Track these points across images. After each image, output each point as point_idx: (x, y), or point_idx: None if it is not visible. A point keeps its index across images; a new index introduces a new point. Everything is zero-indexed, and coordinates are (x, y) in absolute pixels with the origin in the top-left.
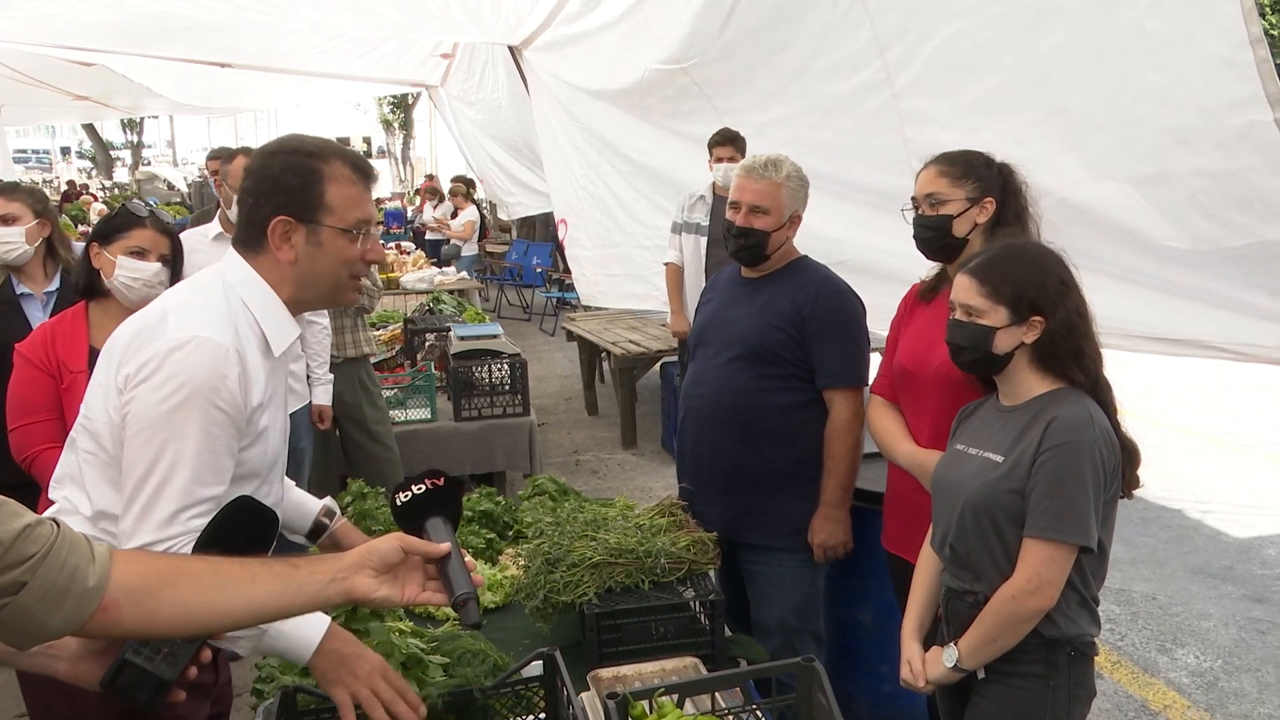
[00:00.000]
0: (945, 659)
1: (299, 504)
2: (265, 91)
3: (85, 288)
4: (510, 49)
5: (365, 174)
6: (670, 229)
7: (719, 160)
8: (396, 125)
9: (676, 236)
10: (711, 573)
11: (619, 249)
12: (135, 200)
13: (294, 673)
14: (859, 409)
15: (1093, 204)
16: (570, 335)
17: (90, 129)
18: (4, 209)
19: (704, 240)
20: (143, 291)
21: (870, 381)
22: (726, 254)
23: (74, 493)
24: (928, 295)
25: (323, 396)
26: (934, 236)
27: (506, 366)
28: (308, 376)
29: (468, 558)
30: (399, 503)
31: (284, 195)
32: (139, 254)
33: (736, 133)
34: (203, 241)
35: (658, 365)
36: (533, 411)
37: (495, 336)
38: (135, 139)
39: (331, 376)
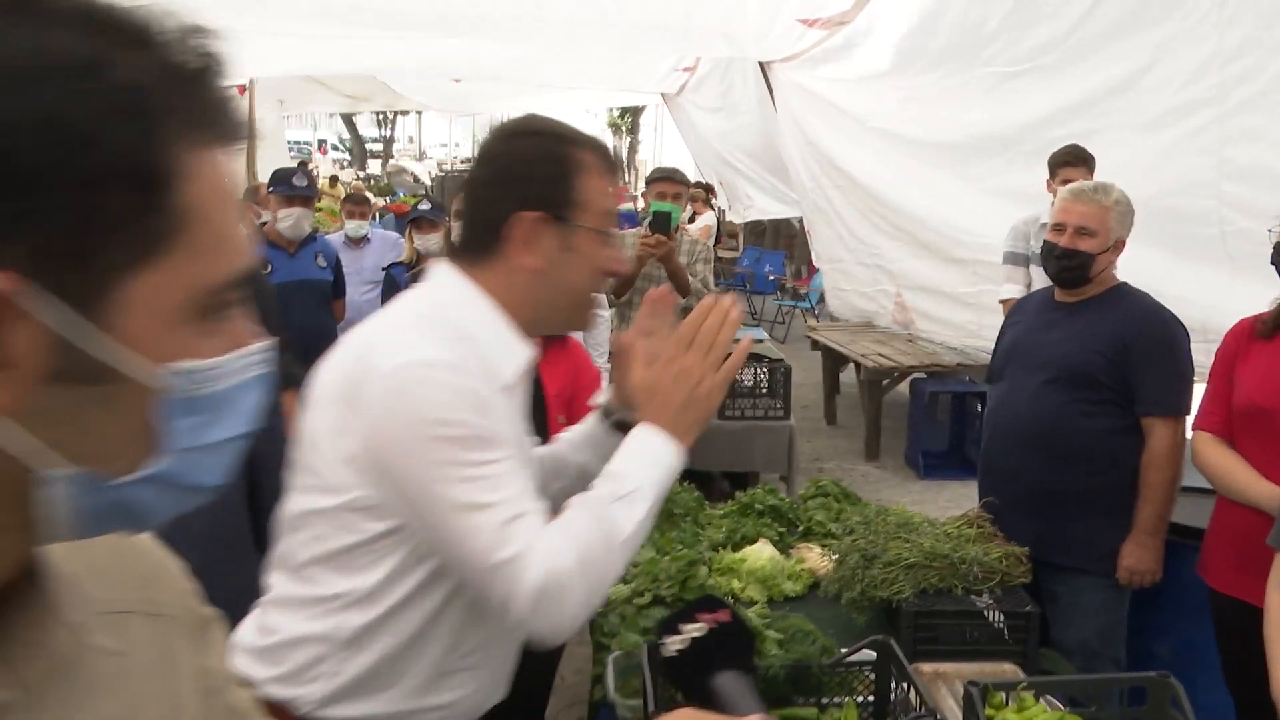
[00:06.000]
0: None
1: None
2: (502, 96)
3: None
4: (760, 63)
5: (614, 168)
6: (1005, 260)
7: (1064, 182)
8: (625, 129)
9: (1018, 269)
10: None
11: (843, 264)
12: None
13: (636, 630)
14: (1181, 439)
15: None
16: (815, 344)
17: (349, 123)
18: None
19: None
20: None
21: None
22: None
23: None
24: (1270, 332)
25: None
26: None
27: (768, 370)
28: None
29: None
30: (670, 652)
31: (534, 186)
32: None
33: (1088, 153)
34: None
35: (906, 380)
36: (792, 417)
37: (760, 341)
38: (388, 134)
39: (609, 367)
